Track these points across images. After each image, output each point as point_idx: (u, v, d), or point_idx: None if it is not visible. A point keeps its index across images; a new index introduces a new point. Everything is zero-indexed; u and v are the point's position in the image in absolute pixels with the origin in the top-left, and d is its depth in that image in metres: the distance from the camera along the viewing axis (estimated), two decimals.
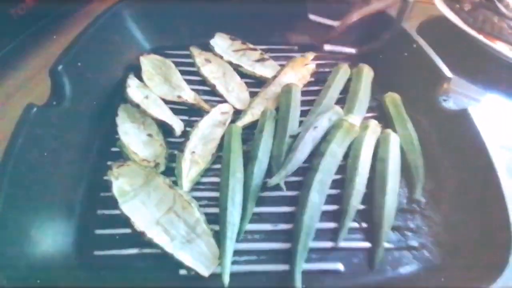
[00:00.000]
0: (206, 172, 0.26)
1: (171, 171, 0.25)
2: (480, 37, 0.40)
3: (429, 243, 0.22)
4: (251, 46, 0.35)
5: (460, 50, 0.41)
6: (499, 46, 0.41)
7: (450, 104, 0.26)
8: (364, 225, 0.23)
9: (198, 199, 0.23)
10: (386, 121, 0.29)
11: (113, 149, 0.27)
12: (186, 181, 0.24)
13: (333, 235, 0.22)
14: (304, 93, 0.32)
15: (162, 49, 0.35)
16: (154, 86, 0.32)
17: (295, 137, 0.27)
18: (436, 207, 0.23)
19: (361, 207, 0.23)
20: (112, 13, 0.32)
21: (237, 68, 0.34)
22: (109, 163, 0.25)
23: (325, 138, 0.26)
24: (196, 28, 0.36)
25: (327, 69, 0.34)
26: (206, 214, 0.22)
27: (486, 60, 0.39)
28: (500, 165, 0.21)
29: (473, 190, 0.22)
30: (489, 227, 0.20)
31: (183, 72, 0.33)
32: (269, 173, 0.25)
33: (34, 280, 0.18)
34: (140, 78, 0.32)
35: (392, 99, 0.30)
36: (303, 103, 0.31)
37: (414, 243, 0.22)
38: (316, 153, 0.25)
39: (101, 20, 0.31)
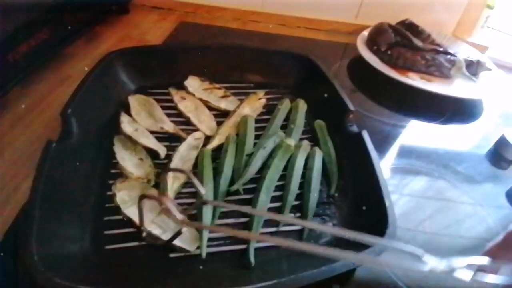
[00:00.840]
0: (185, 184, 0.35)
1: (159, 185, 0.34)
2: (391, 71, 0.53)
3: (338, 223, 0.33)
4: (217, 85, 0.46)
5: (379, 84, 0.54)
6: (411, 76, 0.53)
7: (354, 128, 0.39)
8: (297, 214, 0.33)
9: (180, 204, 0.32)
10: (315, 140, 0.41)
11: (112, 170, 0.35)
12: (171, 192, 0.33)
13: (276, 223, 0.32)
14: (258, 121, 0.43)
15: (145, 89, 0.44)
16: (141, 119, 0.40)
17: (250, 155, 0.37)
18: (344, 199, 0.35)
19: (295, 202, 0.34)
20: (105, 63, 0.41)
21: (206, 104, 0.44)
22: (110, 181, 0.33)
23: (271, 155, 0.37)
24: (172, 72, 0.46)
25: (275, 102, 0.46)
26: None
27: (399, 89, 0.51)
28: (379, 168, 0.33)
29: (365, 187, 0.33)
30: (374, 212, 0.30)
31: (163, 108, 0.42)
32: (232, 182, 0.35)
33: (63, 267, 0.25)
34: (129, 113, 0.40)
35: (319, 125, 0.42)
36: (258, 128, 0.42)
37: (329, 224, 0.33)
38: (265, 166, 0.36)
39: (97, 69, 0.39)
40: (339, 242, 0.31)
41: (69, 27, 0.50)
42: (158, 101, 0.43)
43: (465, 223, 0.37)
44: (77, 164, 0.32)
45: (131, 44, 0.51)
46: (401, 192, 0.38)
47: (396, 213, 0.33)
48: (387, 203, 0.30)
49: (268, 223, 0.32)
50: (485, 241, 0.35)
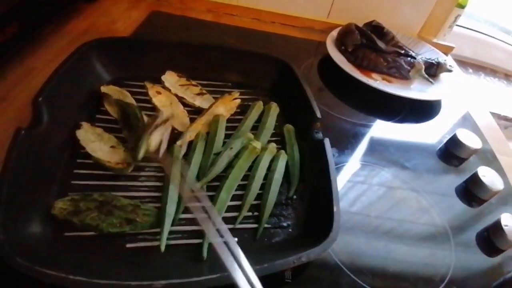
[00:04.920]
0: (150, 178, 0.36)
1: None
2: (356, 72, 0.55)
3: (293, 224, 0.35)
4: (194, 82, 0.47)
5: (345, 83, 0.56)
6: (374, 77, 0.56)
7: (319, 135, 0.41)
8: (255, 213, 0.35)
9: (145, 197, 0.34)
10: (283, 144, 0.42)
11: (79, 160, 0.35)
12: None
13: (233, 220, 0.34)
14: (231, 120, 0.44)
15: (120, 80, 0.45)
16: (113, 110, 0.41)
17: (218, 154, 0.39)
18: (301, 202, 0.37)
19: (255, 202, 0.36)
20: (80, 53, 0.41)
21: (181, 100, 0.45)
22: (75, 171, 0.34)
23: (237, 156, 0.38)
24: (149, 65, 0.46)
25: (250, 103, 0.47)
26: None
27: (362, 89, 0.53)
28: (334, 176, 0.35)
29: (320, 192, 0.36)
30: (324, 216, 0.32)
31: (137, 101, 0.43)
32: (198, 179, 0.37)
33: (26, 249, 0.27)
34: (102, 105, 0.41)
35: (288, 129, 0.43)
36: (231, 128, 0.43)
37: (284, 224, 0.35)
38: (230, 166, 0.37)
39: (71, 58, 0.40)
40: (290, 241, 0.34)
41: (37, 19, 0.48)
42: (132, 93, 0.43)
43: (410, 215, 0.40)
44: (45, 152, 0.33)
45: (98, 34, 0.50)
46: (352, 186, 0.41)
47: (347, 204, 0.37)
48: (335, 209, 0.32)
49: (226, 220, 0.34)
50: (428, 229, 0.38)
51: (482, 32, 0.73)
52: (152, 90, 0.44)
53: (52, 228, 0.30)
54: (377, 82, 0.55)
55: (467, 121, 0.56)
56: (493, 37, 0.73)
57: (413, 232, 0.38)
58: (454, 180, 0.45)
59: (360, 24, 0.62)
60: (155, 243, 0.31)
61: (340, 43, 0.60)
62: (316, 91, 0.55)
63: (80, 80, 0.41)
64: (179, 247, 0.31)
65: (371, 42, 0.58)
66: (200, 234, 0.32)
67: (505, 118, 0.62)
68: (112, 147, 0.37)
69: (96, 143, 0.37)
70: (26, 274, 0.24)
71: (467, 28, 0.73)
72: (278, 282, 0.30)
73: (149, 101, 0.43)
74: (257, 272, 0.26)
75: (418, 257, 0.36)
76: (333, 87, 0.56)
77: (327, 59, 0.58)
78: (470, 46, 0.71)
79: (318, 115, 0.41)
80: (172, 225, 0.32)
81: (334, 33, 0.62)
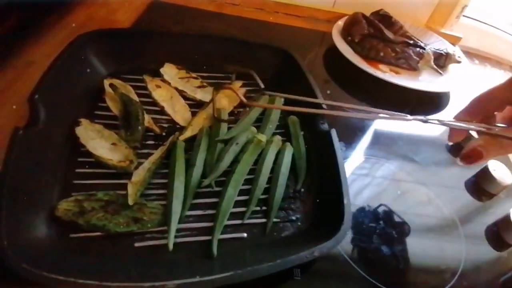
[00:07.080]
0: (156, 175, 0.35)
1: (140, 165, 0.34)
2: (362, 63, 0.53)
3: (302, 217, 0.35)
4: (194, 75, 0.45)
5: (351, 74, 0.54)
6: (381, 68, 0.54)
7: (325, 126, 0.40)
8: (263, 208, 0.35)
9: (150, 195, 0.33)
10: (288, 136, 0.41)
11: (80, 159, 0.34)
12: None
13: (242, 215, 0.33)
14: (235, 114, 0.43)
15: (118, 74, 0.43)
16: (114, 106, 0.40)
17: (222, 149, 0.38)
18: (309, 195, 0.36)
19: (263, 196, 0.35)
20: (74, 47, 0.39)
21: (182, 93, 0.43)
22: (77, 170, 0.33)
23: (242, 150, 0.38)
24: (147, 58, 0.44)
25: (253, 94, 0.46)
26: None
27: (369, 80, 0.52)
28: (342, 167, 0.34)
29: (328, 184, 0.35)
30: (334, 209, 0.32)
31: (137, 95, 0.41)
32: (204, 175, 0.36)
33: (31, 253, 0.26)
34: (103, 100, 0.39)
35: (293, 121, 0.42)
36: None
37: (293, 218, 0.34)
38: (236, 160, 0.37)
39: (66, 53, 0.38)
40: (300, 235, 0.33)
41: (36, 11, 0.46)
42: (131, 88, 0.42)
43: (420, 208, 0.39)
44: (44, 151, 0.32)
45: (98, 25, 0.48)
46: (361, 180, 0.41)
47: (355, 197, 0.37)
48: (345, 201, 0.31)
49: (234, 215, 0.33)
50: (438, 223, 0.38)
51: (488, 24, 0.71)
52: (151, 83, 0.43)
53: (57, 230, 0.29)
54: (385, 73, 0.53)
55: None
56: (499, 29, 0.72)
57: (423, 226, 0.38)
58: (464, 174, 0.44)
59: (367, 14, 0.60)
60: (163, 241, 0.30)
61: (346, 33, 0.58)
62: (322, 82, 0.53)
63: (76, 74, 0.39)
64: (187, 245, 0.31)
65: (378, 32, 0.56)
66: (208, 231, 0.32)
67: None
68: (113, 144, 0.36)
69: (97, 140, 0.36)
70: (33, 281, 0.23)
71: (474, 19, 0.71)
72: (287, 279, 0.30)
73: (149, 95, 0.42)
74: (269, 268, 0.26)
75: (428, 251, 0.35)
76: (339, 79, 0.55)
77: (333, 50, 0.57)
78: (476, 37, 0.70)
79: (324, 105, 0.40)
80: (179, 222, 0.32)
81: (340, 22, 0.60)
